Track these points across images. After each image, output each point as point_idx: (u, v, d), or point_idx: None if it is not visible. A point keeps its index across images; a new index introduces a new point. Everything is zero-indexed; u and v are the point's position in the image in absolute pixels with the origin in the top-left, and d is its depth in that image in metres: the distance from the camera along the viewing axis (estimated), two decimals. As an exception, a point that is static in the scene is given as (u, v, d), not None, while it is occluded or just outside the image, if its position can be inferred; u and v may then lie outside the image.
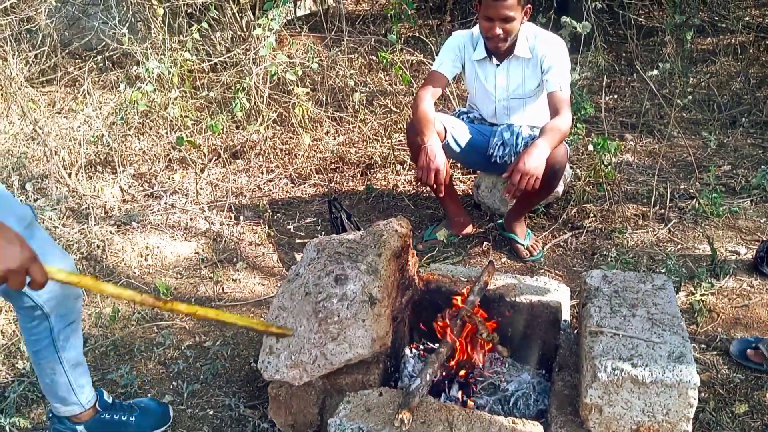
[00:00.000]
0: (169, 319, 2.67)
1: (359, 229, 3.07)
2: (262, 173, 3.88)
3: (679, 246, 3.02)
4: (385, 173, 3.82)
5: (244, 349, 2.49)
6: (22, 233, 1.29)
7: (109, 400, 2.08)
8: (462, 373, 2.10)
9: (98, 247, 3.12)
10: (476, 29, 2.90)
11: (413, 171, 3.75)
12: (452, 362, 2.08)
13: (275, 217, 3.45)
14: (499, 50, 2.82)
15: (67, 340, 1.87)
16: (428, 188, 3.12)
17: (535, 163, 2.47)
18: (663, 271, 2.80)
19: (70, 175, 3.73)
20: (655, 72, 4.03)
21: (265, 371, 1.89)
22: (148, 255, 3.10)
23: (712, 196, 3.24)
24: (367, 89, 4.33)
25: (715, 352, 2.32)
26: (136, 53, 4.22)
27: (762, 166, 3.50)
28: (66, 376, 1.91)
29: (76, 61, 5.25)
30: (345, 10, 5.60)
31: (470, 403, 1.99)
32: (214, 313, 1.54)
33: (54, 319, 1.80)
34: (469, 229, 3.14)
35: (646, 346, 1.69)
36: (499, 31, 2.69)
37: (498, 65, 2.90)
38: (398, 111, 4.18)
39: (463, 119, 3.08)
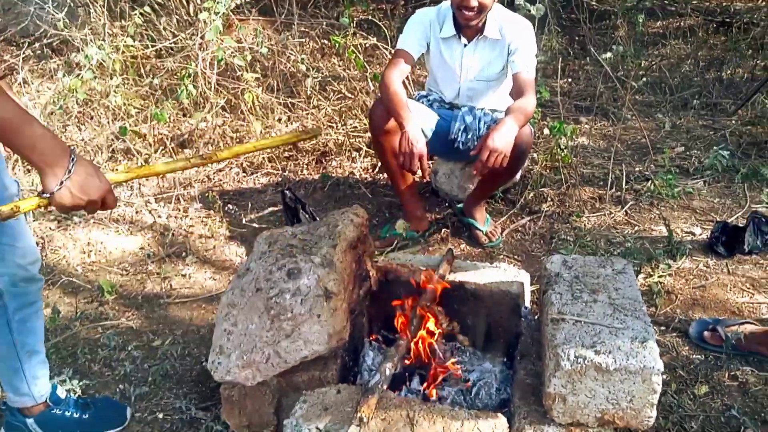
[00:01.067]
0: (115, 319, 2.53)
1: (314, 219, 2.98)
2: (212, 165, 3.74)
3: (636, 228, 3.02)
4: (340, 160, 3.73)
5: (194, 347, 2.37)
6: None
7: (62, 396, 1.98)
8: (422, 364, 2.04)
9: (37, 244, 2.94)
10: (444, 4, 2.81)
11: (371, 158, 3.67)
12: (412, 354, 2.01)
13: (226, 209, 3.32)
14: (470, 26, 2.72)
15: (24, 323, 1.80)
16: (389, 177, 3.04)
17: (504, 140, 2.41)
18: (620, 253, 2.79)
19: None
20: (609, 54, 4.04)
21: (216, 372, 1.79)
22: (91, 251, 2.94)
23: (667, 177, 3.25)
24: (320, 74, 4.21)
25: (674, 334, 2.32)
26: (75, 39, 4.01)
27: (714, 147, 3.54)
28: (20, 362, 1.83)
29: (12, 48, 4.97)
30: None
31: (431, 394, 1.93)
32: (252, 146, 1.76)
33: (8, 298, 1.74)
34: (426, 225, 3.05)
35: (609, 332, 1.65)
36: (474, 2, 2.59)
37: (466, 45, 2.82)
38: (353, 97, 4.08)
39: (422, 102, 2.99)
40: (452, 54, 2.86)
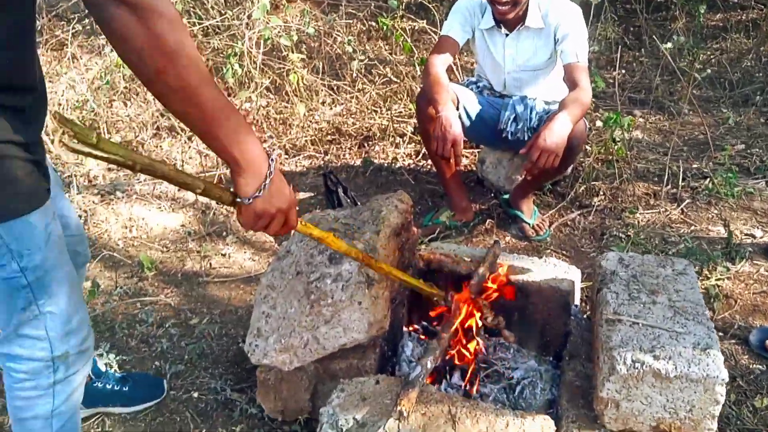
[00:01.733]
0: (153, 295, 2.51)
1: (356, 204, 2.92)
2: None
3: (693, 228, 2.87)
4: (383, 146, 3.65)
5: (232, 327, 2.34)
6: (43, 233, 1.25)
7: (102, 369, 1.98)
8: (464, 359, 1.96)
9: (80, 217, 2.95)
10: None
11: (416, 144, 3.59)
12: (454, 347, 1.94)
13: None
14: (506, 19, 2.63)
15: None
16: (433, 163, 2.95)
17: (556, 139, 2.29)
18: (676, 253, 2.65)
19: (52, 141, 3.53)
20: (669, 45, 3.84)
21: (253, 355, 1.74)
22: (132, 227, 2.94)
23: (727, 176, 3.09)
24: (366, 57, 4.13)
25: (733, 341, 2.19)
26: (123, 15, 4.00)
27: (778, 146, 3.35)
28: None
29: (62, 23, 5.01)
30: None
31: (473, 390, 1.85)
32: (396, 274, 1.72)
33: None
34: (470, 216, 2.95)
35: (669, 336, 1.55)
36: None
37: (507, 35, 2.71)
38: (398, 81, 3.99)
39: (471, 89, 2.89)
40: (495, 45, 2.76)
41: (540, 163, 2.30)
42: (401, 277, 1.74)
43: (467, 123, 2.78)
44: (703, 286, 2.42)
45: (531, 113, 2.71)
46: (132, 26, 0.94)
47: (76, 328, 1.39)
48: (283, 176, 1.20)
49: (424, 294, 1.85)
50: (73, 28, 4.36)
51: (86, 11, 4.64)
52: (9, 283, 1.25)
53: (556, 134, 2.29)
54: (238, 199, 1.17)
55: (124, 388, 1.98)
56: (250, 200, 1.16)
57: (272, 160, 1.16)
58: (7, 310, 1.30)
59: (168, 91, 1.02)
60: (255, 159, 1.14)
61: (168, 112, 3.48)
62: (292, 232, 1.94)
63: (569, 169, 3.09)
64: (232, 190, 1.19)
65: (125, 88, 3.89)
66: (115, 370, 2.09)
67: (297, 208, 1.25)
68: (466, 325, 1.94)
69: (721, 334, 2.21)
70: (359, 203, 2.91)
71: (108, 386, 1.96)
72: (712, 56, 4.75)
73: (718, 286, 2.43)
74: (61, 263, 1.34)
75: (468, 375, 1.91)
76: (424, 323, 2.20)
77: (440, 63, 2.63)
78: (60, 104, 3.69)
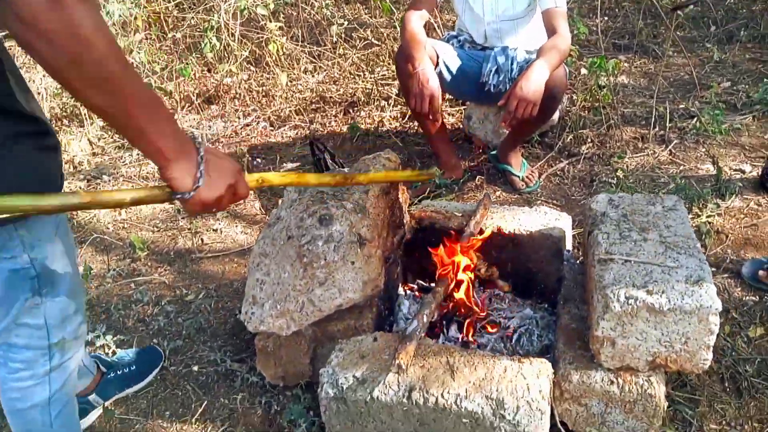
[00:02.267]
0: (147, 274, 2.51)
1: (343, 166, 2.90)
2: (239, 118, 3.67)
3: (682, 167, 2.86)
4: (369, 110, 3.62)
5: (228, 301, 2.34)
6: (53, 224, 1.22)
7: (108, 359, 2.00)
8: (460, 311, 1.97)
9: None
10: None
11: (401, 106, 3.56)
12: (449, 300, 1.94)
13: (255, 163, 3.26)
14: None
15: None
16: (418, 123, 2.93)
17: (533, 87, 2.27)
18: (665, 193, 2.65)
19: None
20: (650, -15, 3.79)
21: (249, 323, 1.74)
22: (121, 210, 2.92)
23: (714, 113, 3.07)
24: (346, 21, 4.07)
25: (726, 275, 2.20)
26: (94, -4, 3.92)
27: (764, 80, 3.33)
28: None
29: (34, 10, 4.91)
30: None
31: (471, 341, 1.87)
32: (383, 176, 1.71)
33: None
34: (460, 173, 2.94)
35: (661, 271, 1.55)
36: None
37: None
38: (380, 44, 3.94)
39: (452, 44, 2.85)
40: None
41: (518, 113, 2.28)
42: (386, 179, 1.76)
43: (448, 78, 2.75)
44: (694, 224, 2.42)
45: (512, 64, 2.68)
46: (41, 8, 0.82)
47: (72, 314, 1.39)
48: (216, 150, 1.13)
49: (420, 180, 1.81)
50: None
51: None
52: (18, 274, 1.23)
53: (533, 83, 2.27)
54: (178, 195, 1.07)
55: (132, 368, 1.99)
56: (191, 193, 1.06)
57: (198, 142, 1.09)
58: (10, 300, 1.28)
59: (84, 83, 0.91)
60: (184, 147, 1.05)
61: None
62: (280, 200, 1.94)
63: (555, 118, 3.07)
64: (164, 186, 1.09)
65: (103, 70, 3.82)
66: (114, 351, 2.09)
67: (243, 172, 1.17)
68: (461, 277, 1.95)
69: (713, 268, 2.22)
70: (347, 168, 2.89)
71: (119, 372, 1.96)
72: (695, -5, 4.69)
73: (709, 223, 2.43)
74: (68, 250, 1.32)
75: (465, 327, 1.93)
76: (420, 281, 2.21)
77: (416, 18, 2.59)
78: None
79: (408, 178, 1.93)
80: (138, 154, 3.34)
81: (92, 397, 1.89)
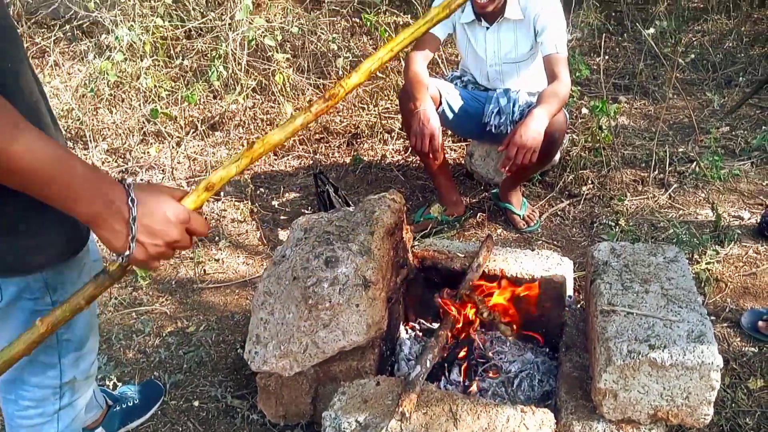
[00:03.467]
0: (149, 304, 2.51)
1: (347, 203, 2.92)
2: (243, 145, 3.69)
3: (681, 212, 2.90)
4: (372, 143, 3.65)
5: (229, 334, 2.34)
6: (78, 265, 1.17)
7: (114, 393, 2.00)
8: (462, 354, 1.98)
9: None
10: None
11: (404, 140, 3.59)
12: (451, 344, 1.96)
13: (258, 192, 3.28)
14: (486, 12, 2.64)
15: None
16: (420, 159, 2.96)
17: (532, 135, 2.32)
18: (665, 238, 2.68)
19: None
20: (651, 30, 3.87)
21: (252, 362, 1.75)
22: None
23: (713, 158, 3.12)
24: (351, 54, 4.12)
25: (725, 324, 2.22)
26: (105, 21, 3.98)
27: (762, 127, 3.38)
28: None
29: (43, 30, 4.96)
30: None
31: (473, 387, 1.87)
32: (388, 50, 1.19)
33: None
34: (461, 210, 2.97)
35: (663, 325, 1.57)
36: None
37: (488, 28, 2.72)
38: (384, 77, 3.99)
39: (456, 84, 2.90)
40: (476, 38, 2.77)
41: (518, 159, 2.33)
42: (387, 54, 1.20)
43: (450, 116, 2.80)
44: (693, 271, 2.45)
45: (514, 106, 2.73)
46: None
47: (86, 354, 1.38)
48: (157, 198, 0.96)
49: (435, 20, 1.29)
50: (54, 34, 4.32)
51: (66, 17, 4.60)
52: (38, 315, 1.23)
53: (532, 131, 2.31)
54: (114, 257, 0.96)
55: (135, 402, 1.99)
56: (125, 257, 0.95)
57: (131, 199, 0.93)
58: None
59: None
60: (107, 209, 0.92)
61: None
62: (284, 233, 1.94)
63: (556, 158, 3.11)
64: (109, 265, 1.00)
65: (110, 95, 3.86)
66: (114, 383, 2.09)
67: (195, 215, 1.02)
68: (462, 323, 1.96)
69: (713, 317, 2.24)
70: (351, 202, 2.92)
71: (123, 406, 1.96)
72: (694, 38, 4.78)
73: (709, 270, 2.46)
74: None
75: (467, 371, 1.93)
76: (421, 321, 2.22)
77: (420, 59, 2.65)
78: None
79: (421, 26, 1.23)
80: (142, 179, 3.36)
81: (99, 430, 1.88)
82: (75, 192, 0.89)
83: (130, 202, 0.93)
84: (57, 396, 1.37)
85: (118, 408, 1.94)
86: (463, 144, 3.52)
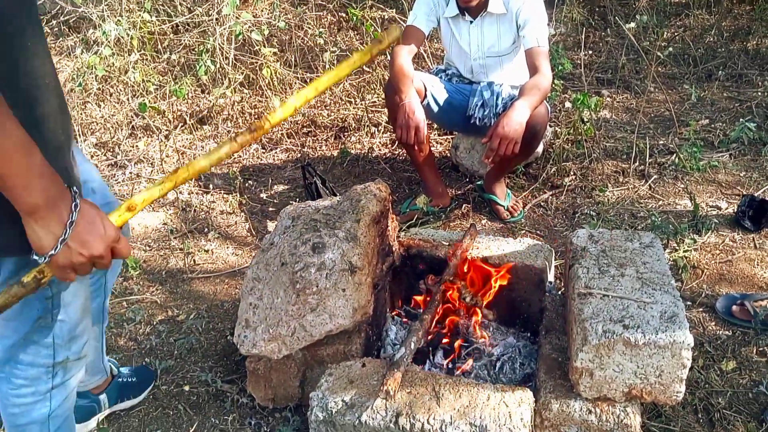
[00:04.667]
0: (140, 293, 2.55)
1: (335, 195, 2.97)
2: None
3: (661, 202, 2.98)
4: (359, 136, 3.70)
5: (219, 321, 2.39)
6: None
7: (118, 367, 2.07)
8: (446, 339, 2.04)
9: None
10: None
11: (390, 133, 3.65)
12: (435, 328, 2.01)
13: (246, 185, 3.33)
14: (470, 6, 2.69)
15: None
16: (406, 151, 3.02)
17: (514, 126, 2.38)
18: (645, 227, 2.76)
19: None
20: (632, 24, 3.94)
21: (242, 346, 1.80)
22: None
23: (692, 150, 3.19)
24: (338, 48, 4.17)
25: (701, 309, 2.29)
26: (92, 16, 4.00)
27: (740, 120, 3.46)
28: (102, 338, 1.83)
29: (29, 25, 4.96)
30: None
31: (459, 369, 1.93)
32: (313, 88, 1.35)
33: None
34: (447, 201, 3.03)
35: (637, 306, 1.64)
36: None
37: (471, 22, 2.78)
38: (371, 71, 4.04)
39: (440, 77, 2.96)
40: (460, 32, 2.83)
41: (500, 150, 2.39)
42: (334, 78, 1.39)
43: (435, 109, 2.85)
44: (671, 258, 2.52)
45: (497, 99, 2.79)
46: None
47: (79, 334, 1.42)
48: (95, 214, 1.00)
49: (379, 50, 1.48)
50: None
51: (53, 12, 4.61)
52: (34, 294, 1.26)
53: (514, 122, 2.37)
54: (34, 257, 0.97)
55: (132, 379, 2.05)
56: (47, 258, 0.96)
57: (75, 205, 0.96)
58: (23, 318, 1.30)
59: None
60: (50, 207, 0.93)
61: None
62: (272, 225, 1.98)
63: (540, 150, 3.17)
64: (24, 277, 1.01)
65: (98, 89, 3.88)
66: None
67: (124, 239, 1.06)
68: (447, 305, 2.02)
69: (689, 303, 2.32)
70: (338, 194, 2.96)
71: (128, 379, 2.03)
72: (675, 33, 4.86)
73: (686, 258, 2.53)
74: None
75: (451, 354, 1.99)
76: (406, 307, 2.27)
77: (405, 53, 2.70)
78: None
79: (362, 60, 1.46)
80: (131, 173, 3.40)
81: (102, 396, 1.96)
82: (27, 180, 0.91)
83: (73, 207, 0.96)
84: (50, 375, 1.41)
85: (120, 380, 2.00)
86: (449, 136, 3.58)
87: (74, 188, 0.98)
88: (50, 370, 1.40)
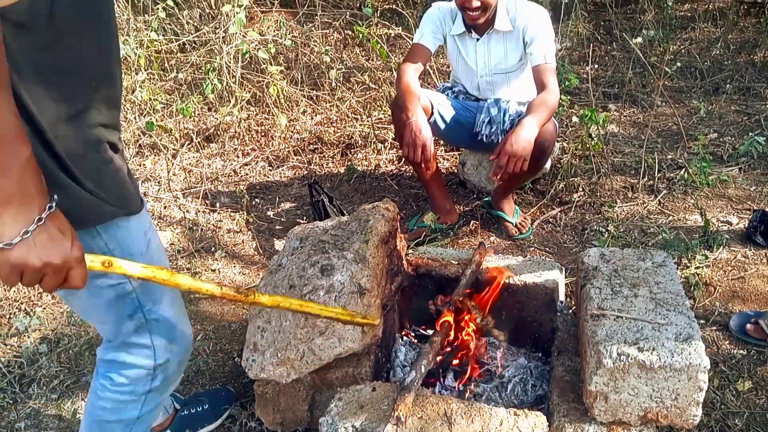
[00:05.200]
0: (146, 315, 2.53)
1: (342, 213, 2.96)
2: (238, 157, 3.73)
3: (670, 217, 2.95)
4: (366, 153, 3.70)
5: (227, 343, 2.37)
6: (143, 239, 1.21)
7: (182, 397, 2.04)
8: (456, 360, 2.01)
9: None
10: (454, 2, 2.77)
11: (397, 150, 3.64)
12: (446, 349, 1.99)
13: (253, 203, 3.32)
14: (477, 24, 2.69)
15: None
16: (413, 168, 3.01)
17: (522, 144, 2.37)
18: (655, 244, 2.73)
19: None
20: (639, 39, 3.93)
21: (250, 370, 1.78)
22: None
23: (701, 165, 3.17)
24: (344, 66, 4.18)
25: (714, 327, 2.26)
26: (99, 35, 4.01)
27: (749, 133, 3.44)
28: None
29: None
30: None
31: (470, 391, 1.91)
32: (298, 304, 1.52)
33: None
34: (455, 218, 3.01)
35: (652, 328, 1.61)
36: (476, 3, 2.56)
37: (478, 39, 2.78)
38: (377, 88, 4.04)
39: (447, 95, 2.96)
40: (467, 50, 2.83)
41: (509, 168, 2.38)
42: (314, 311, 1.60)
43: (442, 126, 2.84)
44: (683, 275, 2.49)
45: (504, 116, 2.78)
46: None
47: (178, 337, 1.43)
48: (68, 230, 0.99)
49: (357, 323, 1.70)
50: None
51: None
52: (115, 290, 1.28)
53: (522, 139, 2.36)
54: None
55: (204, 407, 2.01)
56: (3, 245, 0.92)
57: (50, 207, 0.96)
58: (116, 318, 1.33)
59: None
60: (23, 198, 0.92)
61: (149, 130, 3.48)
62: (280, 243, 1.97)
63: (547, 166, 3.16)
64: None
65: (105, 108, 3.89)
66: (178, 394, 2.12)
67: (84, 268, 1.03)
68: (458, 327, 1.99)
69: (702, 321, 2.29)
70: (345, 212, 2.95)
71: (194, 410, 1.99)
72: (681, 47, 4.86)
73: (698, 275, 2.50)
74: (162, 262, 1.37)
75: (462, 376, 1.97)
76: (416, 328, 2.25)
77: (411, 71, 2.69)
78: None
79: (339, 317, 1.67)
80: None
81: None
82: (6, 165, 0.90)
83: (47, 208, 0.95)
84: (150, 377, 1.42)
85: (186, 412, 1.96)
86: (456, 153, 3.57)
87: (54, 196, 0.98)
88: (151, 372, 1.41)
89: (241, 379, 2.16)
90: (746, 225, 2.79)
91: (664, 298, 1.71)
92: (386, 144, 3.70)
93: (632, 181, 3.23)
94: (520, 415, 1.62)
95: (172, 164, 3.59)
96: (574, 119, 3.63)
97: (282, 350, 1.76)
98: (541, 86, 2.58)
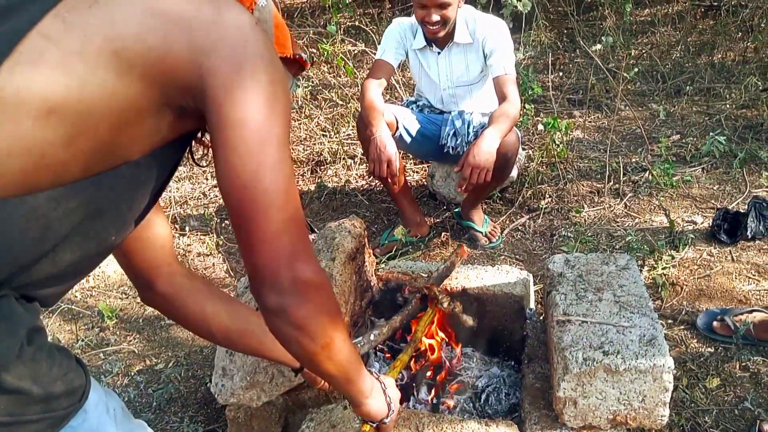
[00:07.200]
0: (116, 344, 2.50)
1: (313, 231, 2.95)
2: (207, 179, 3.71)
3: (637, 220, 2.99)
4: (335, 169, 3.70)
5: (198, 368, 2.34)
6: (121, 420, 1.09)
7: None
8: (429, 373, 2.01)
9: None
10: (414, 17, 2.80)
11: (366, 165, 3.65)
12: (419, 362, 1.99)
13: (223, 225, 3.30)
14: (437, 38, 2.72)
15: None
16: (382, 183, 3.02)
17: (484, 156, 2.40)
18: (622, 247, 2.76)
19: None
20: (598, 46, 4.01)
21: (220, 395, 1.76)
22: (89, 276, 2.91)
23: (664, 166, 3.22)
24: (311, 83, 4.19)
25: (682, 327, 2.29)
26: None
27: (710, 133, 3.51)
28: None
29: None
30: (282, 2, 5.44)
31: (444, 404, 1.91)
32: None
33: None
34: (425, 230, 3.02)
35: (616, 331, 1.63)
36: (435, 17, 2.59)
37: (439, 53, 2.81)
38: (344, 104, 4.06)
39: (412, 109, 2.98)
40: (429, 63, 2.86)
41: (473, 179, 2.41)
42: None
43: (409, 141, 2.86)
44: (650, 276, 2.53)
45: (468, 128, 2.81)
46: (282, 330, 0.94)
47: None
48: (390, 382, 1.34)
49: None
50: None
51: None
52: None
53: (484, 151, 2.39)
54: (374, 423, 1.30)
55: None
56: (383, 421, 1.28)
57: (392, 411, 1.28)
58: None
59: (323, 369, 1.05)
60: (374, 385, 1.24)
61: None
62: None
63: (514, 174, 3.19)
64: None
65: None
66: None
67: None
68: (429, 341, 2.00)
69: (670, 321, 2.31)
70: (316, 229, 2.95)
71: None
72: (643, 51, 4.95)
73: (665, 275, 2.53)
74: None
75: (435, 389, 1.97)
76: (389, 342, 2.24)
77: (375, 87, 2.71)
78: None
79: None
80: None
81: None
82: (363, 374, 1.17)
83: (381, 386, 1.28)
84: None
85: None
86: (425, 165, 3.59)
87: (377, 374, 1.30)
88: None
89: (213, 405, 2.14)
90: (710, 224, 2.84)
91: (628, 300, 1.74)
92: (356, 159, 3.71)
93: (598, 185, 3.27)
94: (491, 425, 1.62)
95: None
96: (540, 127, 3.68)
97: (251, 374, 1.74)
98: (502, 97, 2.61)
